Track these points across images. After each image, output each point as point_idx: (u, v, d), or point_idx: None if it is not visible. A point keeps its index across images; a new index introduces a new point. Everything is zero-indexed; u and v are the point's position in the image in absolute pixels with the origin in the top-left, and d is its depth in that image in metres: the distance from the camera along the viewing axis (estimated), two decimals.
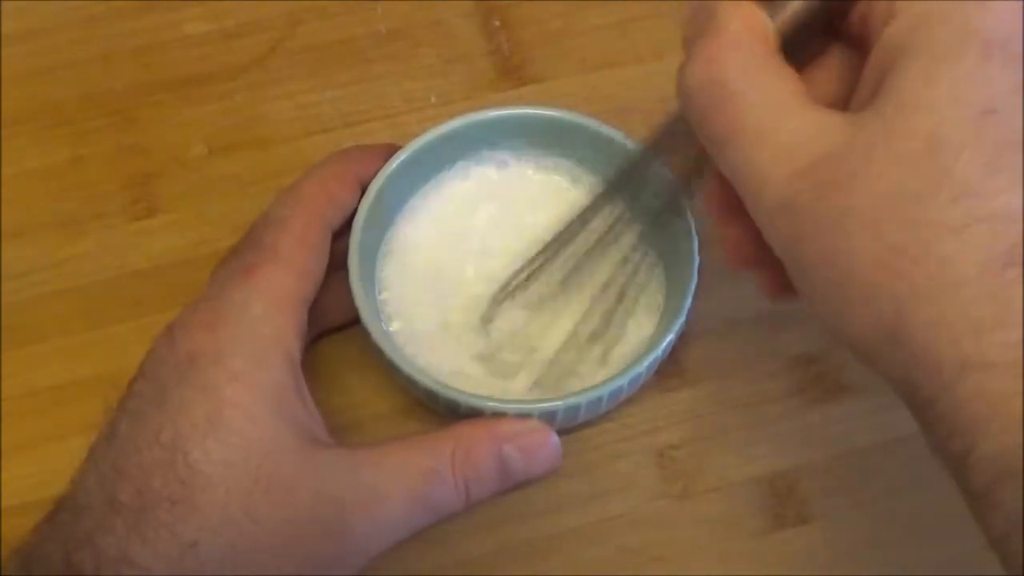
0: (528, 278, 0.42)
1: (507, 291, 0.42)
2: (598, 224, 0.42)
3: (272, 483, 0.34)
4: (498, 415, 0.39)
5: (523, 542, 0.42)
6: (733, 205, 0.34)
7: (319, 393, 0.39)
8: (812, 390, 0.44)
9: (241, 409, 0.35)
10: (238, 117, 0.50)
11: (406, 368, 0.40)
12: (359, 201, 0.42)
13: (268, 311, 0.37)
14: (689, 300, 0.41)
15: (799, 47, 0.33)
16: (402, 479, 0.37)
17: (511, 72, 0.51)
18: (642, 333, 0.43)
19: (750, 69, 0.31)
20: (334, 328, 0.44)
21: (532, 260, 0.42)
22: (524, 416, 0.39)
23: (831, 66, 0.34)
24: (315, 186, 0.41)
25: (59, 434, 0.44)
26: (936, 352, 0.28)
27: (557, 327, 0.43)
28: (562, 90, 0.51)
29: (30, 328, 0.46)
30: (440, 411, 0.41)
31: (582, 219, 0.42)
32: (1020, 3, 0.29)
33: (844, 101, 0.32)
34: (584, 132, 0.44)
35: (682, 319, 0.41)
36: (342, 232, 0.41)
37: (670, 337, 0.40)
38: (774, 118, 0.31)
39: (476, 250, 0.44)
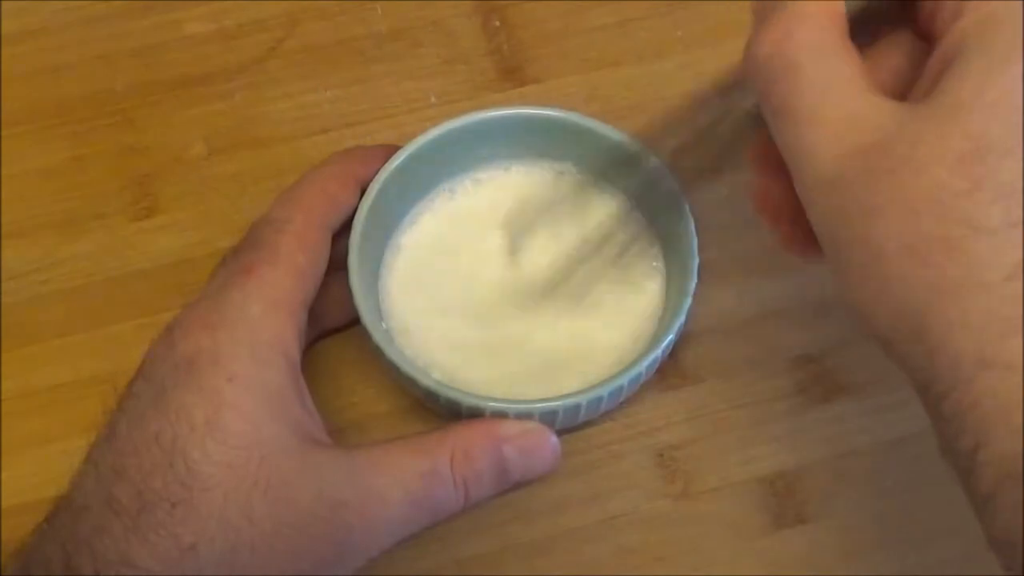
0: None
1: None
2: (601, 223, 0.42)
3: (271, 484, 0.34)
4: (499, 415, 0.39)
5: (523, 542, 0.42)
6: (775, 157, 0.34)
7: (319, 393, 0.39)
8: (812, 390, 0.44)
9: (240, 410, 0.35)
10: (238, 117, 0.50)
11: (407, 368, 0.40)
12: (359, 202, 0.42)
13: (267, 312, 0.37)
14: (689, 300, 0.41)
15: (869, 31, 0.33)
16: (401, 480, 0.37)
17: (511, 72, 0.51)
18: (642, 332, 0.43)
19: (817, 48, 0.32)
20: (334, 329, 0.44)
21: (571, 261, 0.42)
22: (525, 416, 0.39)
23: (897, 53, 0.34)
24: (315, 187, 0.41)
25: (59, 434, 0.44)
26: (956, 347, 0.28)
27: (555, 327, 0.43)
28: (562, 90, 0.51)
29: (30, 328, 0.46)
30: (440, 411, 0.41)
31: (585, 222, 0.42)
32: None
33: (907, 88, 0.33)
34: (585, 132, 0.44)
35: (682, 319, 0.41)
36: (342, 233, 0.41)
37: (670, 337, 0.40)
38: (833, 100, 0.31)
39: (476, 250, 0.44)
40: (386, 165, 0.43)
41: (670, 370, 0.44)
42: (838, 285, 0.32)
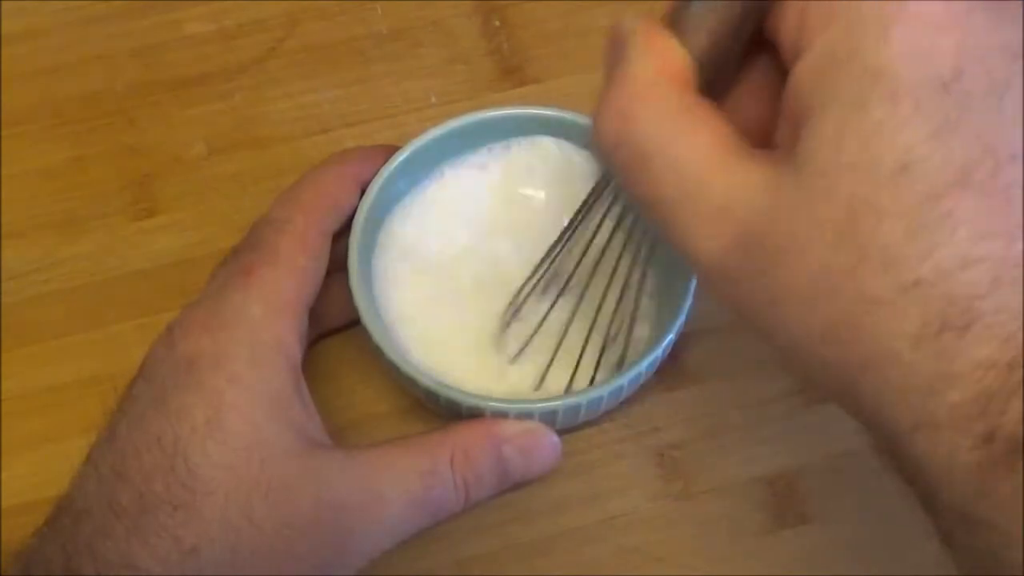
0: (538, 283, 0.42)
1: (519, 301, 0.42)
2: (597, 223, 0.42)
3: (272, 486, 0.34)
4: (499, 415, 0.39)
5: (523, 542, 0.43)
6: None
7: (319, 394, 0.39)
8: (812, 390, 0.44)
9: (241, 412, 0.35)
10: (238, 117, 0.50)
11: (407, 368, 0.40)
12: (359, 202, 0.42)
13: (268, 314, 0.37)
14: (689, 300, 0.41)
15: (726, 71, 0.31)
16: (401, 481, 0.37)
17: (511, 72, 0.51)
18: (642, 333, 0.43)
19: (664, 122, 0.29)
20: (334, 329, 0.44)
21: (539, 266, 0.42)
22: (525, 416, 0.39)
23: (759, 89, 0.32)
24: (315, 188, 0.41)
25: (59, 434, 0.44)
26: (889, 416, 0.27)
27: (556, 327, 0.43)
28: (562, 90, 0.51)
29: (30, 328, 0.46)
30: (440, 411, 0.41)
31: (584, 219, 0.41)
32: (928, 28, 0.26)
33: (772, 118, 0.30)
34: (586, 131, 0.44)
35: (682, 319, 0.41)
36: (342, 233, 0.41)
37: (670, 337, 0.40)
38: (694, 183, 0.29)
39: (477, 250, 0.44)
40: (386, 165, 0.43)
41: (670, 370, 0.44)
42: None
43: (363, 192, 0.42)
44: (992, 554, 0.26)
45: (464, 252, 0.44)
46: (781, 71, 0.29)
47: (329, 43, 0.52)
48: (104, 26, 0.52)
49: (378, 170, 0.43)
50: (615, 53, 0.31)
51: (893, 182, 0.26)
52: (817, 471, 0.43)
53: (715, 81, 0.31)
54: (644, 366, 0.40)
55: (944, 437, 0.26)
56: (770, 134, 0.30)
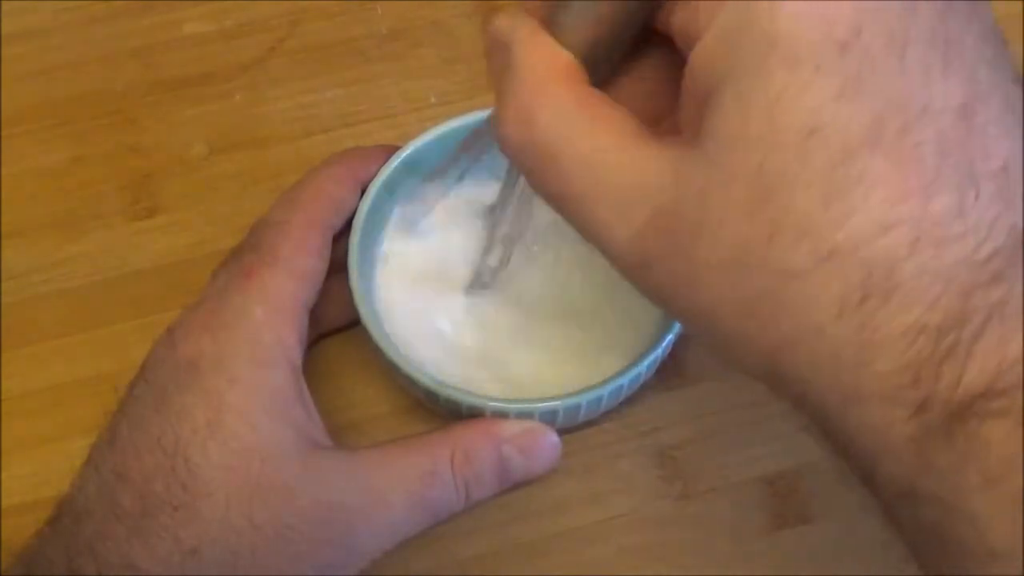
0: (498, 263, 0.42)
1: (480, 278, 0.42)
2: None
3: (273, 488, 0.34)
4: (499, 415, 0.39)
5: (523, 542, 0.42)
6: None
7: (319, 394, 0.39)
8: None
9: (242, 414, 0.35)
10: (238, 117, 0.50)
11: (407, 368, 0.40)
12: (359, 202, 0.42)
13: (268, 315, 0.37)
14: None
15: (607, 58, 0.30)
16: (402, 482, 0.37)
17: None
18: (642, 332, 0.43)
19: (565, 121, 0.28)
20: (334, 330, 0.44)
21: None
22: (525, 415, 0.39)
23: (649, 71, 0.31)
24: (315, 188, 0.41)
25: (59, 434, 0.44)
26: (817, 391, 0.26)
27: (557, 328, 0.43)
28: None
29: (30, 328, 0.46)
30: (441, 411, 0.41)
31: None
32: None
33: (670, 105, 0.30)
34: None
35: None
36: (342, 233, 0.41)
37: (670, 336, 0.40)
38: (601, 174, 0.28)
39: (479, 250, 0.44)
40: (386, 165, 0.43)
41: (670, 370, 0.44)
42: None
43: (363, 192, 0.42)
44: (936, 528, 0.25)
45: (467, 253, 0.44)
46: (674, 59, 0.29)
47: (329, 43, 0.52)
48: (104, 26, 0.52)
49: (378, 170, 0.43)
50: (499, 56, 0.30)
51: (801, 148, 0.25)
52: (817, 471, 0.43)
53: (605, 75, 0.30)
54: (644, 366, 0.40)
55: (876, 410, 0.25)
56: (666, 123, 0.30)
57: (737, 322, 0.27)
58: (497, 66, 0.30)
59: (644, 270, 0.29)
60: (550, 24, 0.29)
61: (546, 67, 0.29)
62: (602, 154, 0.28)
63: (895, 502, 0.26)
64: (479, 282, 0.43)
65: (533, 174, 0.30)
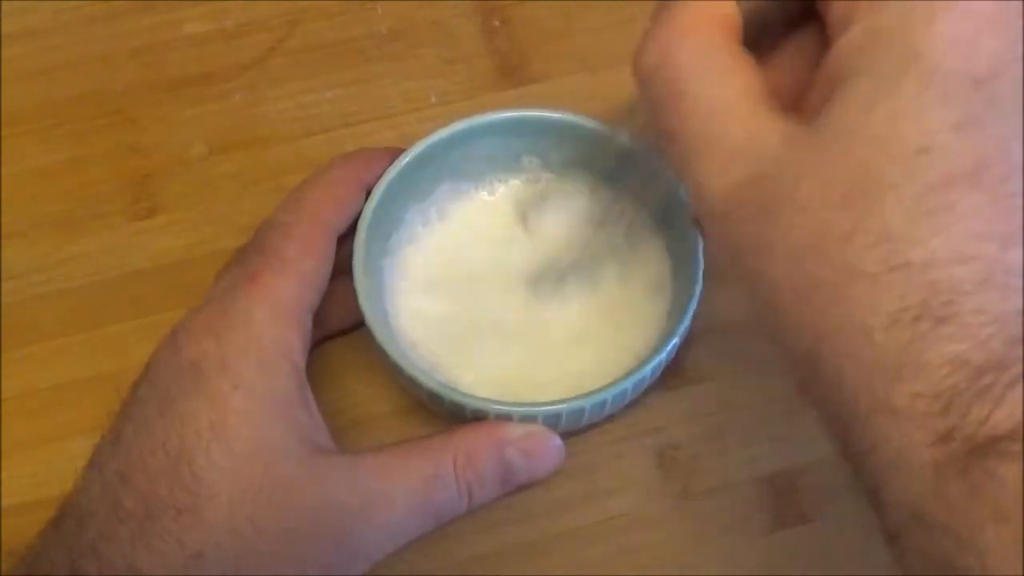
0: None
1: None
2: (604, 224, 0.42)
3: (276, 491, 0.34)
4: (503, 417, 0.39)
5: (523, 542, 0.42)
6: None
7: (322, 395, 0.39)
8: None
9: (245, 417, 0.35)
10: (238, 117, 0.50)
11: (411, 371, 0.40)
12: (363, 205, 0.42)
13: (273, 319, 0.37)
14: (694, 304, 0.41)
15: (768, 33, 0.32)
16: (405, 485, 0.37)
17: (511, 72, 0.51)
18: (647, 336, 0.43)
19: (702, 62, 0.30)
20: (338, 332, 0.44)
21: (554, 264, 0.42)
22: (529, 419, 0.39)
23: (796, 51, 0.32)
24: (319, 191, 0.41)
25: (59, 434, 0.44)
26: (848, 391, 0.27)
27: (562, 334, 0.43)
28: (562, 90, 0.51)
29: (30, 328, 0.46)
30: (444, 413, 0.41)
31: (595, 223, 0.41)
32: (975, 24, 0.27)
33: (803, 90, 0.31)
34: (588, 134, 0.44)
35: (687, 323, 0.41)
36: (346, 236, 0.41)
37: (674, 341, 0.40)
38: (718, 127, 0.29)
39: (481, 251, 0.44)
40: (390, 168, 0.43)
41: (670, 370, 0.44)
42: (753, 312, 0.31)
43: (368, 194, 0.42)
44: (940, 556, 0.25)
45: (469, 254, 0.44)
46: (819, 46, 0.30)
47: (329, 43, 0.52)
48: (104, 26, 0.52)
49: (383, 172, 0.42)
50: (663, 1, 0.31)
51: (908, 161, 0.26)
52: (817, 471, 0.43)
53: (757, 41, 0.31)
54: (648, 370, 0.40)
55: (901, 426, 0.26)
56: (798, 103, 0.31)
57: (794, 302, 0.28)
58: (658, 8, 0.31)
59: (725, 223, 0.30)
60: None
61: (705, 11, 0.30)
62: (723, 105, 0.29)
63: (900, 524, 0.27)
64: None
65: (656, 104, 0.31)
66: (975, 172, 0.26)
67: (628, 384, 0.39)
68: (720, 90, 0.30)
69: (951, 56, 0.26)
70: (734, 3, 0.31)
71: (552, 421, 0.39)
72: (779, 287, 0.28)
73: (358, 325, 0.42)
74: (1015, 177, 0.26)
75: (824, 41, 0.30)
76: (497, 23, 0.52)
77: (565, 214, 0.44)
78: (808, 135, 0.28)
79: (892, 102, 0.27)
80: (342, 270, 0.41)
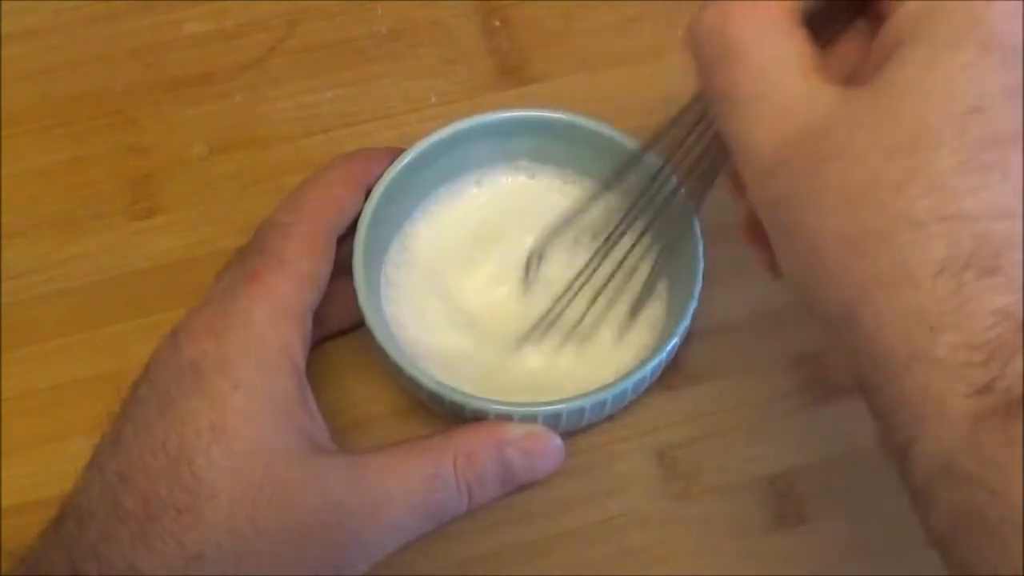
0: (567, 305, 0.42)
1: (547, 323, 0.43)
2: (604, 227, 0.42)
3: (276, 491, 0.34)
4: (503, 418, 0.39)
5: (523, 542, 0.43)
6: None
7: (321, 394, 0.39)
8: (812, 390, 0.44)
9: (246, 417, 0.35)
10: (238, 117, 0.50)
11: (411, 371, 0.40)
12: (363, 205, 0.42)
13: (273, 319, 0.37)
14: (694, 304, 0.41)
15: (827, 22, 0.33)
16: (405, 485, 0.37)
17: (511, 72, 0.51)
18: (647, 336, 0.43)
19: (760, 26, 0.31)
20: (338, 332, 0.44)
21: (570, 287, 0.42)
22: (529, 419, 0.39)
23: (853, 41, 0.33)
24: (319, 191, 0.41)
25: (59, 434, 0.44)
26: (888, 340, 0.28)
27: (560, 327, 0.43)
28: (562, 90, 0.51)
29: (30, 328, 0.46)
30: (444, 413, 0.41)
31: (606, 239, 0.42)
32: None
33: (848, 70, 0.32)
34: (589, 134, 0.44)
35: (686, 323, 0.41)
36: (346, 236, 0.41)
37: (674, 341, 0.40)
38: (772, 84, 0.30)
39: (482, 252, 0.44)
40: (390, 168, 0.43)
41: (670, 370, 0.44)
42: (785, 270, 0.32)
43: (368, 195, 0.42)
44: (975, 510, 0.25)
45: (470, 255, 0.44)
46: (869, 42, 0.31)
47: (329, 43, 0.52)
48: (104, 26, 0.52)
49: (383, 172, 0.42)
50: None
51: (962, 118, 0.27)
52: (817, 471, 0.43)
53: (817, 31, 0.32)
54: (648, 370, 0.40)
55: (940, 376, 0.26)
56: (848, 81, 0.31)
57: (838, 251, 0.29)
58: None
59: (772, 179, 0.30)
60: None
61: None
62: (781, 65, 0.30)
63: (930, 478, 0.27)
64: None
65: (710, 64, 0.31)
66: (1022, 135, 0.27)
67: (628, 384, 0.40)
68: (777, 52, 0.31)
69: (1010, 26, 0.28)
70: None
71: (552, 421, 0.39)
72: (824, 237, 0.29)
73: (358, 325, 0.42)
74: None
75: (872, 30, 0.31)
76: (497, 23, 0.52)
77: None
78: (865, 93, 0.29)
79: (951, 62, 0.28)
80: (342, 270, 0.41)
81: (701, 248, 0.41)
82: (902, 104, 0.28)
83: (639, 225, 0.42)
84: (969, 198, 0.27)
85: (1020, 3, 0.28)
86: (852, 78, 0.31)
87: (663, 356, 0.40)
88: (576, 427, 0.41)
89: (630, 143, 0.43)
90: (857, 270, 0.28)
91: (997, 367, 0.26)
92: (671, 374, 0.44)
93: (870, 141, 0.28)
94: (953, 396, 0.26)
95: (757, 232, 0.35)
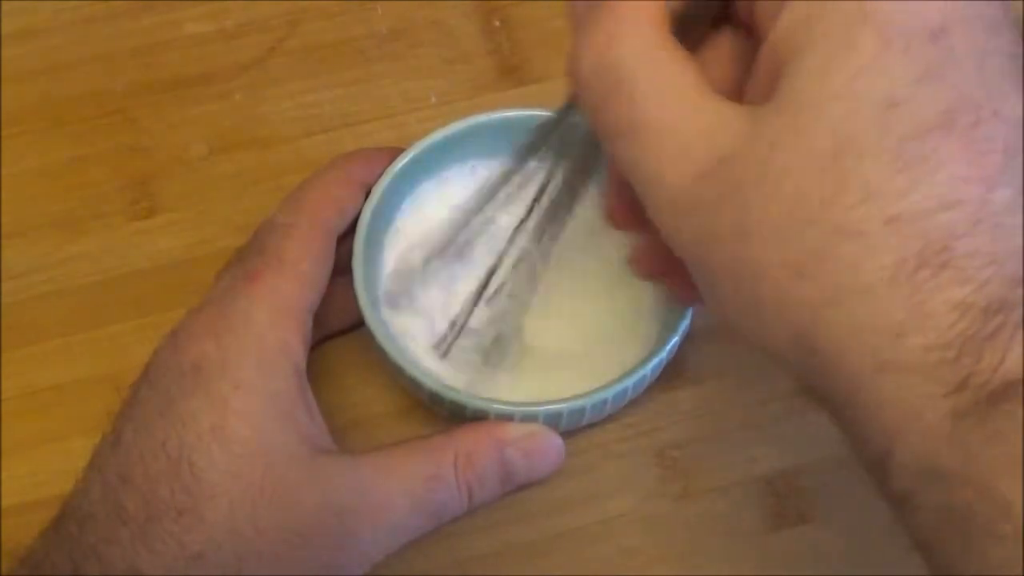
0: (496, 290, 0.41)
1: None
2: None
3: (277, 492, 0.34)
4: (503, 417, 0.39)
5: (523, 542, 0.43)
6: (634, 210, 0.32)
7: (321, 394, 0.39)
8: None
9: (246, 418, 0.35)
10: (238, 117, 0.50)
11: (411, 371, 0.40)
12: (363, 204, 0.42)
13: (273, 319, 0.37)
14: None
15: (688, 30, 0.31)
16: (406, 485, 0.37)
17: (511, 72, 0.51)
18: (647, 335, 0.43)
19: (646, 54, 0.29)
20: (338, 332, 0.44)
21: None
22: (529, 418, 0.39)
23: (722, 49, 0.32)
24: (319, 191, 0.41)
25: (59, 434, 0.44)
26: (852, 356, 0.27)
27: (561, 333, 0.43)
28: (562, 90, 0.50)
29: (30, 328, 0.46)
30: (444, 414, 0.41)
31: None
32: None
33: (737, 87, 0.31)
34: (589, 133, 0.44)
35: (687, 321, 0.41)
36: (346, 236, 0.41)
37: (675, 339, 0.40)
38: (674, 112, 0.29)
39: (482, 252, 0.44)
40: (390, 167, 0.43)
41: (670, 370, 0.44)
42: (715, 312, 0.30)
43: (367, 194, 0.42)
44: (963, 510, 0.25)
45: (470, 255, 0.44)
46: (742, 44, 0.30)
47: (329, 43, 0.52)
48: (104, 26, 0.52)
49: (382, 172, 0.43)
50: (583, 2, 0.31)
51: (879, 118, 0.26)
52: (817, 471, 0.43)
53: (684, 39, 0.31)
54: (649, 369, 0.40)
55: (913, 382, 0.26)
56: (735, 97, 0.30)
57: (781, 278, 0.27)
58: (579, 10, 0.31)
59: (690, 216, 0.29)
60: None
61: (636, 9, 0.29)
62: (676, 94, 0.29)
63: (913, 484, 0.26)
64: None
65: (601, 100, 0.30)
66: (946, 120, 0.26)
67: (628, 383, 0.40)
68: (668, 76, 0.29)
69: (903, 14, 0.26)
70: (661, 2, 0.30)
71: (553, 421, 0.40)
72: (765, 268, 0.27)
73: (358, 325, 0.42)
74: (988, 123, 0.26)
75: (739, 40, 0.31)
76: (497, 23, 0.52)
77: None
78: (772, 111, 0.27)
79: (852, 63, 0.26)
80: (341, 270, 0.41)
81: None
82: (815, 116, 0.27)
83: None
84: (905, 197, 0.26)
85: None
86: (741, 92, 0.30)
87: (663, 355, 0.40)
88: (577, 426, 0.41)
89: None
90: (805, 295, 0.27)
91: (970, 362, 0.25)
92: (671, 374, 0.44)
93: (791, 159, 0.27)
94: (930, 399, 0.25)
95: (659, 265, 0.34)
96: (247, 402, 0.35)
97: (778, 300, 0.27)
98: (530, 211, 0.39)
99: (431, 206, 0.45)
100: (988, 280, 0.25)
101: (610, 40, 0.29)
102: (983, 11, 0.27)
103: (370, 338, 0.40)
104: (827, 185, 0.26)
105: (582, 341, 0.43)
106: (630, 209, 0.33)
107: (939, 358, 0.25)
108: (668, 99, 0.29)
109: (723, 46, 0.32)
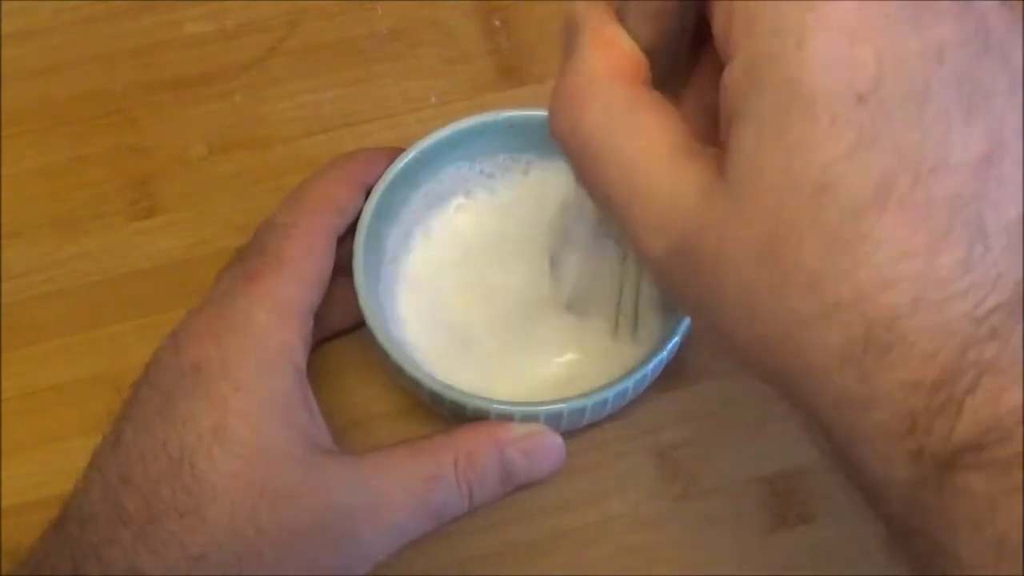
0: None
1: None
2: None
3: (278, 493, 0.34)
4: (504, 417, 0.39)
5: (523, 542, 0.43)
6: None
7: (322, 395, 0.39)
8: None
9: (247, 419, 0.35)
10: (238, 117, 0.50)
11: (412, 371, 0.40)
12: (363, 205, 0.42)
13: (273, 320, 0.37)
14: None
15: (671, 63, 0.31)
16: (406, 485, 0.37)
17: (511, 72, 0.51)
18: (648, 335, 0.43)
19: (612, 122, 0.29)
20: (339, 332, 0.44)
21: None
22: (530, 418, 0.39)
23: (708, 79, 0.31)
24: (319, 191, 0.41)
25: (59, 434, 0.44)
26: (825, 422, 0.28)
27: (563, 333, 0.43)
28: None
29: (30, 328, 0.46)
30: (445, 413, 0.41)
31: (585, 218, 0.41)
32: (846, 37, 0.25)
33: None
34: None
35: (687, 322, 0.41)
36: (346, 236, 0.41)
37: (676, 339, 0.40)
38: (640, 184, 0.29)
39: (482, 252, 0.44)
40: (390, 167, 0.43)
41: (670, 370, 0.44)
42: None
43: (368, 195, 0.42)
44: (934, 565, 0.26)
45: (470, 254, 0.44)
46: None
47: (329, 43, 0.52)
48: (104, 26, 0.52)
49: (383, 172, 0.42)
50: (570, 39, 0.30)
51: (812, 203, 0.26)
52: (817, 471, 0.43)
53: (670, 71, 0.31)
54: (650, 368, 0.40)
55: (876, 453, 0.26)
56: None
57: (752, 354, 0.28)
58: (566, 49, 0.30)
59: (672, 284, 0.30)
60: (619, 14, 0.30)
61: (607, 59, 0.29)
62: (641, 164, 0.29)
63: (895, 534, 0.27)
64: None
65: (575, 160, 0.30)
66: (880, 193, 0.25)
67: (629, 383, 0.40)
68: (634, 149, 0.29)
69: (829, 78, 0.25)
70: (632, 44, 0.29)
71: (554, 420, 0.39)
72: (733, 340, 0.28)
73: (358, 325, 0.42)
74: (930, 180, 0.25)
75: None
76: (497, 23, 0.52)
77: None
78: (720, 187, 0.27)
79: (782, 143, 0.26)
80: (342, 270, 0.41)
81: None
82: (753, 200, 0.26)
83: None
84: (844, 283, 0.26)
85: (831, 45, 0.25)
86: (715, 139, 0.29)
87: (664, 355, 0.40)
88: (577, 426, 0.41)
89: None
90: (776, 369, 0.28)
91: (922, 436, 0.25)
92: (671, 374, 0.44)
93: (736, 249, 0.27)
94: (891, 468, 0.26)
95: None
96: (247, 402, 0.35)
97: (758, 367, 0.29)
98: None
99: (431, 205, 0.45)
100: (935, 352, 0.25)
101: (578, 103, 0.29)
102: (923, 42, 0.26)
103: (370, 338, 0.40)
104: (773, 275, 0.27)
105: (584, 346, 0.43)
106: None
107: (896, 432, 0.26)
108: (637, 171, 0.29)
109: (710, 82, 0.31)
